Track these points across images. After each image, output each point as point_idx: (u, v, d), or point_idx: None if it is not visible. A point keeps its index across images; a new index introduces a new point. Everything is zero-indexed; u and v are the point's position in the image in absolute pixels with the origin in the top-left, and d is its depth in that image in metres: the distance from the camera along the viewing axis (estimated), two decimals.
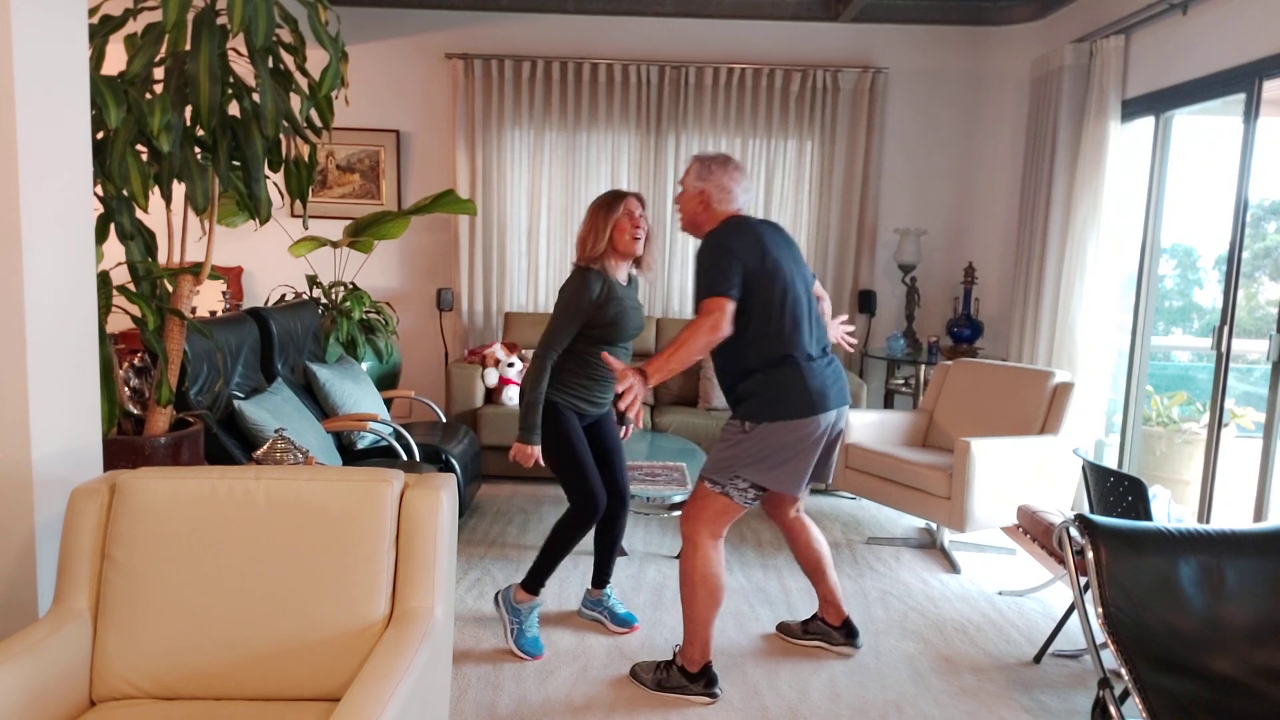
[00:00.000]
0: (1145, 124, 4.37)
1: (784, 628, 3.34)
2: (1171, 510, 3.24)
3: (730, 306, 2.70)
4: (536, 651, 3.12)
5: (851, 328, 3.25)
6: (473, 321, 5.79)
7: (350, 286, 5.11)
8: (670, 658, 3.01)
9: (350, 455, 4.08)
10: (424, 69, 5.67)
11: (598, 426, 3.28)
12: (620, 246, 3.03)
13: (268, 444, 2.58)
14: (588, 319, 3.03)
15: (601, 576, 3.39)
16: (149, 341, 2.66)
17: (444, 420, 4.73)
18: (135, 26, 2.65)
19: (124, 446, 2.60)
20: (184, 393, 3.23)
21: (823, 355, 2.87)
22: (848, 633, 3.22)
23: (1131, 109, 4.39)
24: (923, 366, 5.34)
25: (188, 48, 2.50)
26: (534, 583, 3.17)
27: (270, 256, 5.75)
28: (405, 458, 3.88)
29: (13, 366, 2.09)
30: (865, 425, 4.46)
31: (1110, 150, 4.40)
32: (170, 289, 2.80)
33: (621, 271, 3.12)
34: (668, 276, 5.75)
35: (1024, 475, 3.93)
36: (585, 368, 3.11)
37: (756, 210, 5.66)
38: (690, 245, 5.69)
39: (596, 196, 3.14)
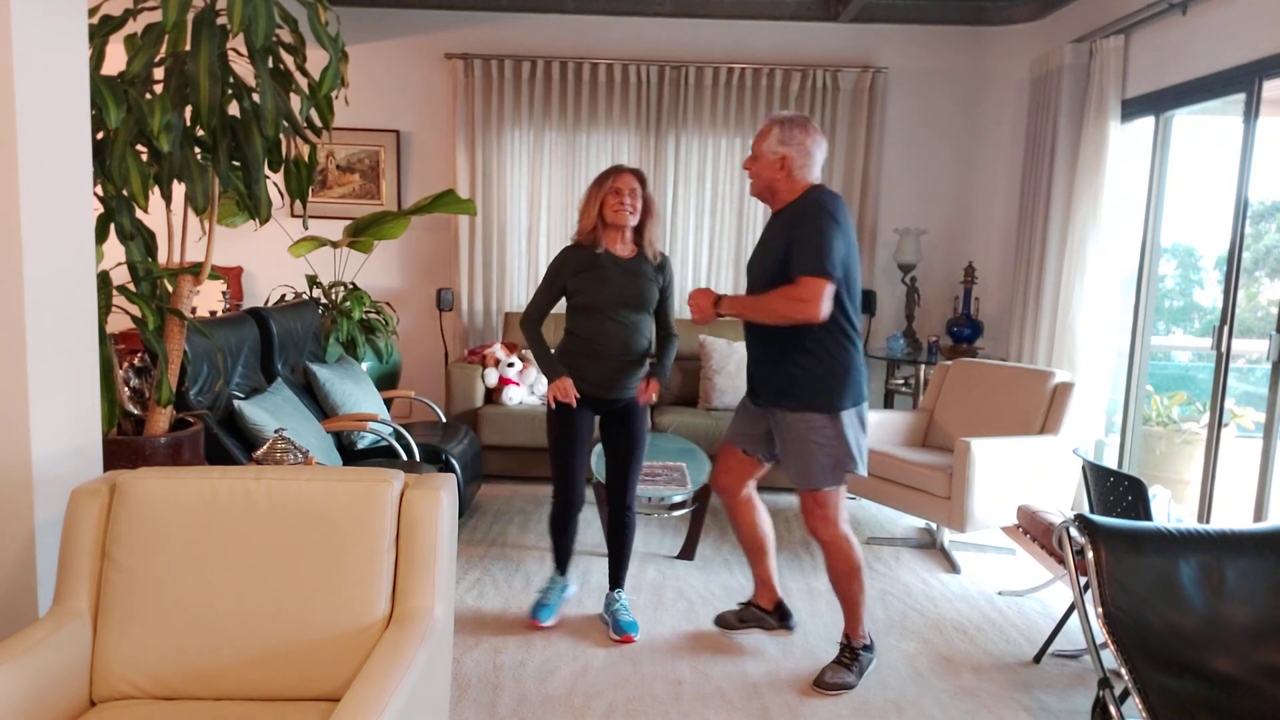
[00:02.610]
0: (1145, 124, 4.37)
1: (721, 620, 3.33)
2: (1171, 510, 3.24)
3: (831, 290, 2.63)
4: (533, 616, 3.33)
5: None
6: (473, 321, 5.79)
7: (350, 286, 5.11)
8: (844, 647, 3.00)
9: (350, 455, 4.08)
10: (424, 69, 5.67)
11: (617, 420, 3.26)
12: (608, 219, 3.10)
13: (268, 444, 2.58)
14: (565, 288, 3.17)
15: (611, 576, 3.42)
16: (149, 341, 2.66)
17: (444, 420, 4.73)
18: (135, 26, 2.64)
19: (124, 446, 2.60)
20: (184, 393, 3.23)
21: None
22: (780, 616, 3.24)
23: (1131, 109, 4.39)
24: (922, 366, 5.34)
25: (188, 48, 2.50)
26: (555, 561, 3.45)
27: (270, 256, 5.75)
28: (405, 458, 3.88)
29: (13, 366, 2.09)
30: None
31: (1110, 150, 4.40)
32: (170, 289, 2.80)
33: (621, 245, 3.16)
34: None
35: (1024, 475, 3.92)
36: (575, 342, 3.19)
37: (756, 210, 5.67)
38: (693, 243, 5.69)
39: None
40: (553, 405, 3.15)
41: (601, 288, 3.11)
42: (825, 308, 2.62)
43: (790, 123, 2.76)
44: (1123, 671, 1.94)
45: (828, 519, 2.89)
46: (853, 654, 2.99)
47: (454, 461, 4.02)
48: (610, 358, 3.14)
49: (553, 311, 3.27)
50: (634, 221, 3.12)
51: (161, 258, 3.32)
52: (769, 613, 3.24)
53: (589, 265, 3.12)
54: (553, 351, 3.23)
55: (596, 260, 3.12)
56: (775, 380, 2.83)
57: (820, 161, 2.82)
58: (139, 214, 2.61)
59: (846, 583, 2.95)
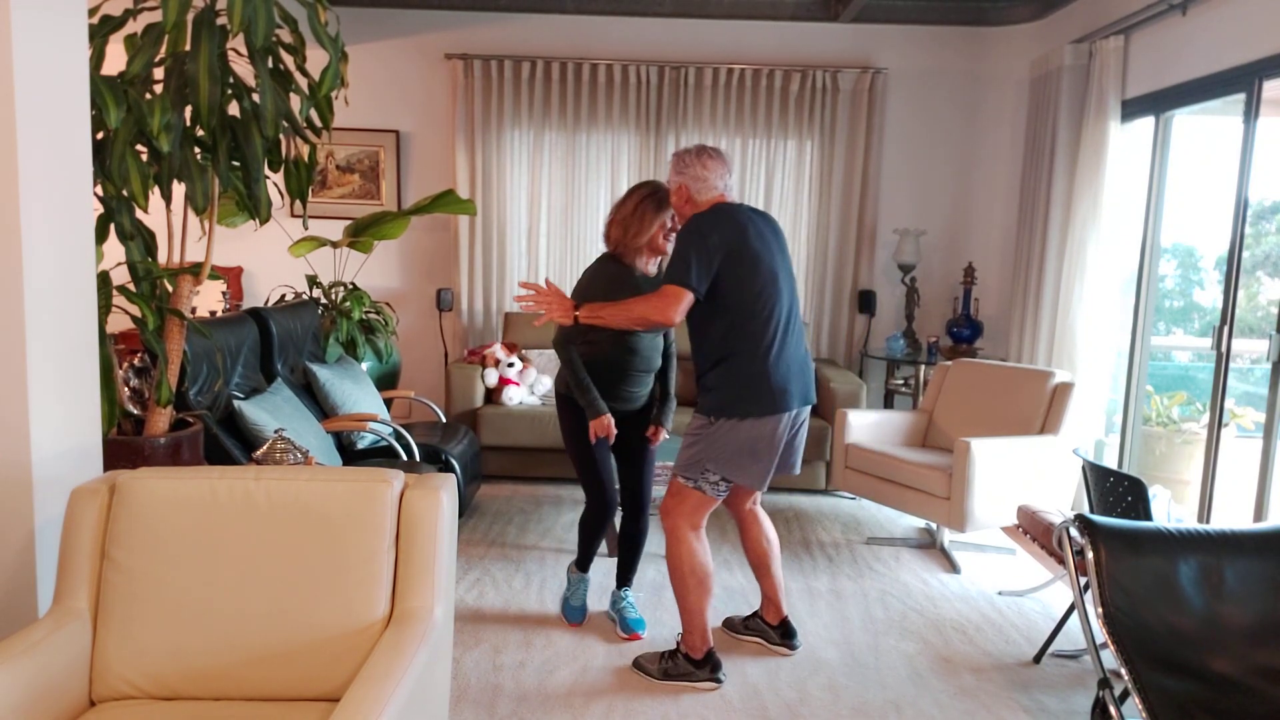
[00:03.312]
0: (1145, 124, 4.37)
1: (728, 623, 3.36)
2: (1171, 510, 3.24)
3: (688, 299, 2.72)
4: (571, 619, 3.37)
5: None
6: (472, 321, 5.79)
7: (350, 286, 5.11)
8: (674, 648, 3.03)
9: (350, 455, 4.08)
10: (424, 69, 5.67)
11: (631, 425, 3.28)
12: (656, 244, 3.11)
13: (268, 444, 2.58)
14: (598, 299, 3.10)
15: (620, 575, 3.44)
16: (149, 341, 2.66)
17: (444, 420, 4.73)
18: (135, 26, 2.64)
19: (124, 446, 2.60)
20: (184, 393, 3.23)
21: (795, 350, 2.88)
22: (784, 633, 3.23)
23: (1131, 109, 4.39)
24: (922, 366, 5.34)
25: (188, 48, 2.50)
26: (580, 560, 3.43)
27: (270, 256, 5.75)
28: (405, 458, 3.88)
29: (13, 367, 2.09)
30: (865, 425, 4.46)
31: (1110, 150, 4.40)
32: (170, 289, 2.80)
33: (649, 264, 3.18)
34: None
35: (1024, 475, 3.93)
36: (600, 354, 3.17)
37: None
38: None
39: (641, 185, 3.15)
40: (594, 441, 3.16)
41: None
42: (677, 314, 2.73)
43: (685, 152, 2.92)
44: (1122, 672, 1.94)
45: (673, 509, 2.94)
46: (673, 657, 2.98)
47: (454, 461, 4.02)
48: (633, 370, 3.18)
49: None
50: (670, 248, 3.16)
51: (161, 258, 3.32)
52: (773, 628, 3.25)
53: (623, 279, 3.10)
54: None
55: (630, 275, 3.12)
56: (700, 385, 2.94)
57: (717, 182, 2.90)
58: (139, 214, 2.61)
59: (677, 581, 2.95)
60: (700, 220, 2.79)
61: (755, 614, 3.31)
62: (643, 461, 3.31)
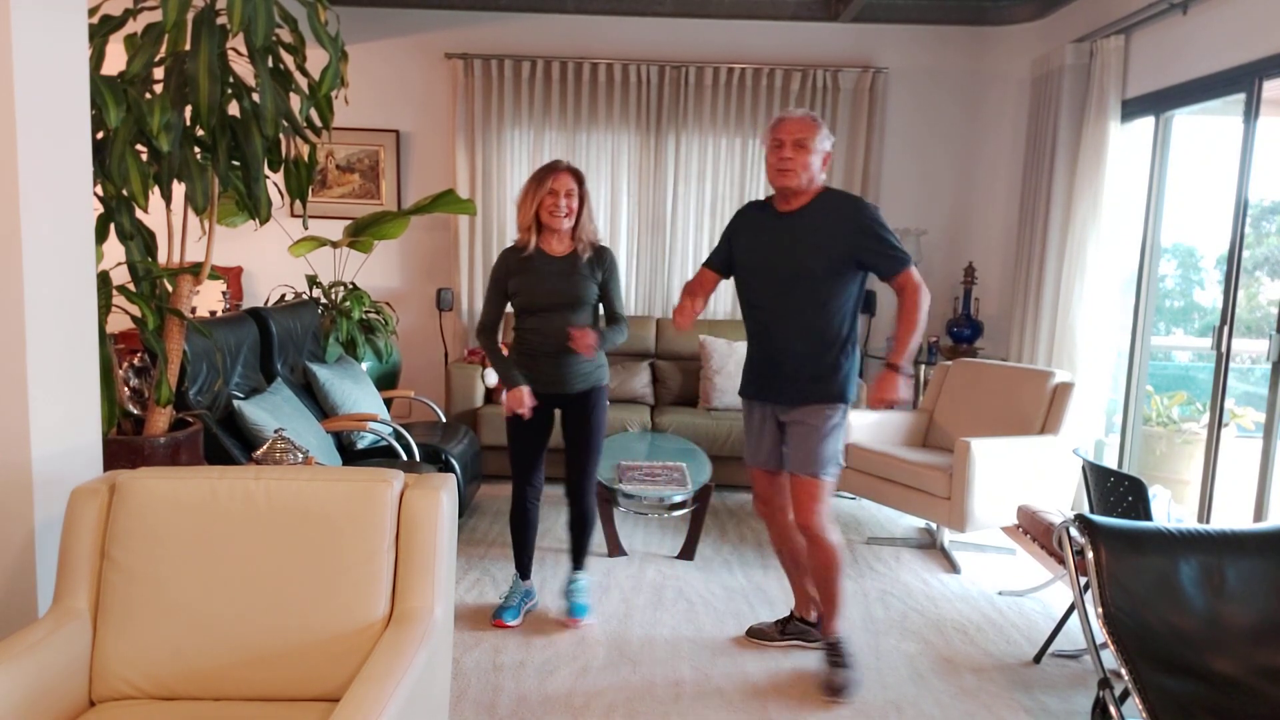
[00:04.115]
0: (1145, 124, 4.37)
1: (755, 632, 3.30)
2: (1171, 510, 3.24)
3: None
4: (497, 616, 3.34)
5: None
6: (472, 321, 5.79)
7: (350, 286, 5.11)
8: (831, 647, 3.01)
9: (350, 455, 4.08)
10: (424, 69, 5.67)
11: (573, 412, 3.28)
12: (543, 220, 3.13)
13: (267, 444, 2.58)
14: (504, 290, 3.20)
15: (574, 558, 3.47)
16: (149, 341, 2.66)
17: (444, 420, 4.72)
18: (135, 26, 2.64)
19: (124, 446, 2.60)
20: (184, 393, 3.23)
21: None
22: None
23: (1131, 109, 4.39)
24: (923, 366, 5.34)
25: (187, 48, 2.50)
26: (515, 562, 3.46)
27: (270, 256, 5.75)
28: (405, 458, 3.88)
29: (13, 366, 2.09)
30: (865, 425, 4.46)
31: (1110, 150, 4.40)
32: (170, 289, 2.80)
33: (556, 243, 3.18)
34: (668, 276, 5.75)
35: (1024, 475, 3.92)
36: (522, 342, 3.23)
37: None
38: (693, 243, 5.69)
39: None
40: (508, 415, 3.20)
41: (536, 287, 3.14)
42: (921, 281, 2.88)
43: (818, 120, 2.91)
44: (1123, 672, 1.94)
45: (822, 511, 2.91)
46: (837, 650, 2.99)
47: (454, 461, 4.02)
48: (554, 355, 3.17)
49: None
50: (569, 225, 3.13)
51: (161, 258, 3.31)
52: (814, 625, 3.23)
53: (523, 267, 3.15)
54: (507, 354, 3.25)
55: (530, 261, 3.15)
56: (815, 372, 2.90)
57: None
58: (139, 214, 2.61)
59: (834, 577, 2.95)
60: (870, 206, 2.92)
61: (792, 617, 3.27)
62: (583, 450, 3.30)
